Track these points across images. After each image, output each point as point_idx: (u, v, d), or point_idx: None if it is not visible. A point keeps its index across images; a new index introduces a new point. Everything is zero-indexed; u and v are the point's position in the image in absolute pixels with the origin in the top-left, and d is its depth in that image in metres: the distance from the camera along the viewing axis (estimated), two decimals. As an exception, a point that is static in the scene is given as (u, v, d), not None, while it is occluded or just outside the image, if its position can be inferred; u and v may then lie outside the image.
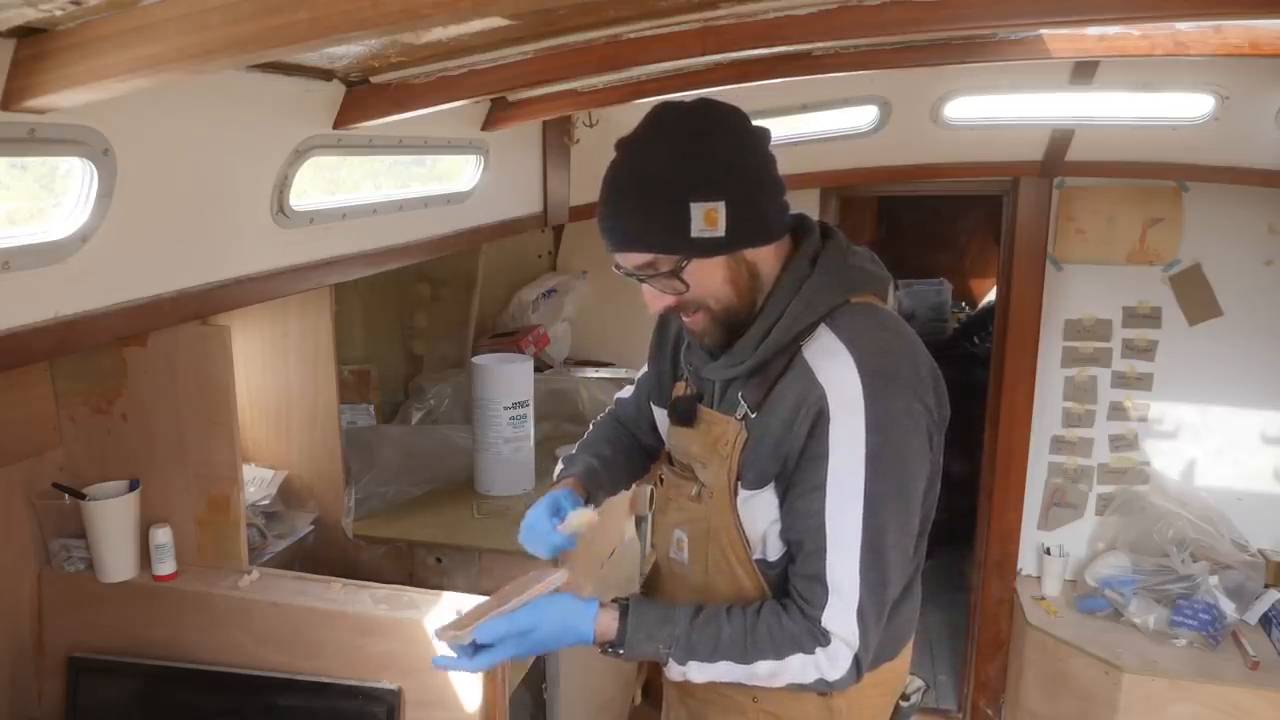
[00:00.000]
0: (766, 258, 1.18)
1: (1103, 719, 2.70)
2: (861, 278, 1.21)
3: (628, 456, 1.51)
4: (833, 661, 1.12)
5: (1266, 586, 2.81)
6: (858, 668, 1.14)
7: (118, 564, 1.60)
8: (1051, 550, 3.10)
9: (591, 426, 1.59)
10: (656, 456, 1.50)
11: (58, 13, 0.85)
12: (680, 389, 1.35)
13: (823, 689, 1.16)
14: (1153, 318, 2.98)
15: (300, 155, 1.50)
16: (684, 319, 1.20)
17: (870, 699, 1.29)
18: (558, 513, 1.30)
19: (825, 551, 1.11)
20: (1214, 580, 2.78)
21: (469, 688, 1.48)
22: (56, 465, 1.65)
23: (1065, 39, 1.67)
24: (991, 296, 4.83)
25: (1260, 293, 2.88)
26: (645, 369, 1.50)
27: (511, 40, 1.30)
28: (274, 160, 1.46)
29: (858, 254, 1.24)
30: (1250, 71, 2.23)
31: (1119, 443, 3.07)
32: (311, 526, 2.07)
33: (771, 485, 1.17)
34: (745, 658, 1.13)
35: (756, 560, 1.22)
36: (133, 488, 1.61)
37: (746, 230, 1.13)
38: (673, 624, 1.15)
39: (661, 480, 1.39)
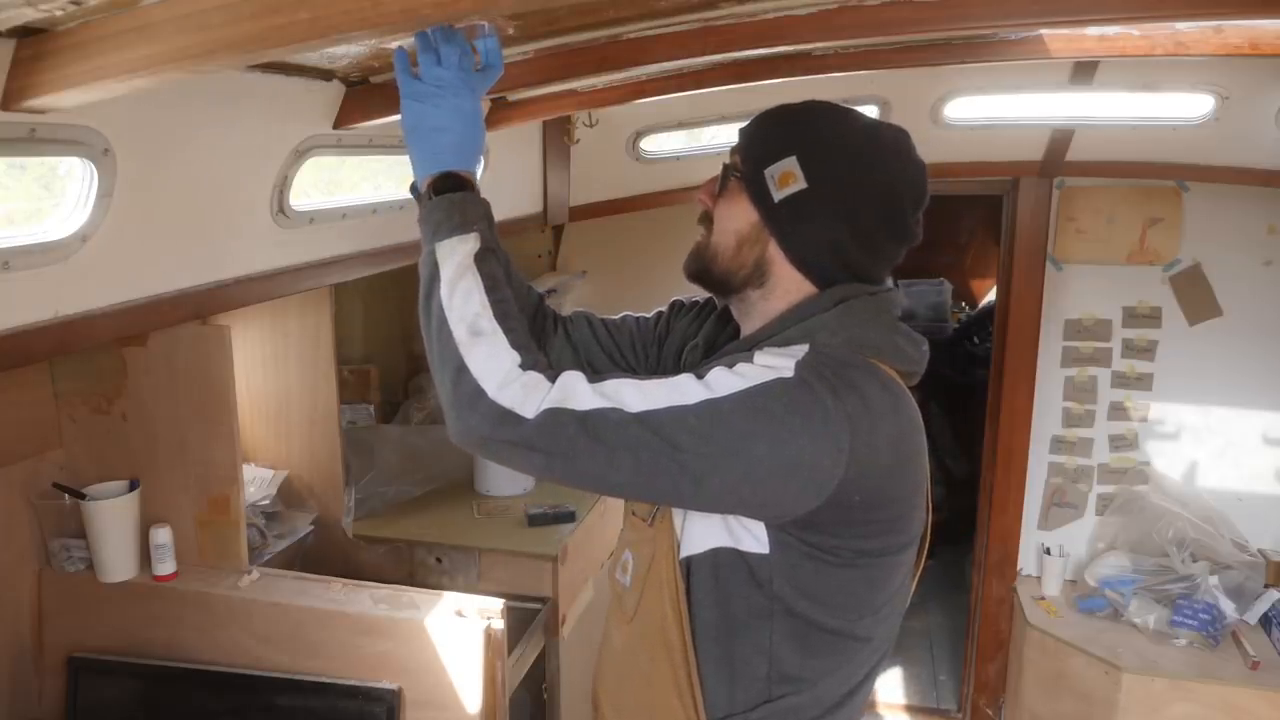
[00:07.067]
0: (782, 279, 1.08)
1: (1102, 719, 2.69)
2: (885, 348, 1.04)
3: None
4: (523, 390, 0.96)
5: (1266, 586, 2.80)
6: (515, 429, 0.94)
7: (118, 564, 1.60)
8: (1051, 550, 3.09)
9: None
10: (538, 318, 1.43)
11: (58, 13, 0.85)
12: None
13: (470, 406, 0.97)
14: (1153, 318, 2.97)
15: (300, 155, 1.50)
16: (700, 233, 1.15)
17: None
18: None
19: (639, 377, 0.98)
20: (1214, 580, 2.78)
21: (469, 688, 1.49)
22: (56, 465, 1.65)
23: (1065, 39, 1.67)
24: (991, 296, 4.83)
25: (1260, 293, 2.88)
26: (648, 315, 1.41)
27: (511, 40, 1.30)
28: (274, 160, 1.46)
29: (903, 331, 1.08)
30: (1250, 71, 2.23)
31: (1119, 443, 3.07)
32: (311, 526, 2.07)
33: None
34: (491, 295, 1.05)
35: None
36: (133, 488, 1.61)
37: (789, 219, 1.06)
38: (492, 227, 1.12)
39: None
